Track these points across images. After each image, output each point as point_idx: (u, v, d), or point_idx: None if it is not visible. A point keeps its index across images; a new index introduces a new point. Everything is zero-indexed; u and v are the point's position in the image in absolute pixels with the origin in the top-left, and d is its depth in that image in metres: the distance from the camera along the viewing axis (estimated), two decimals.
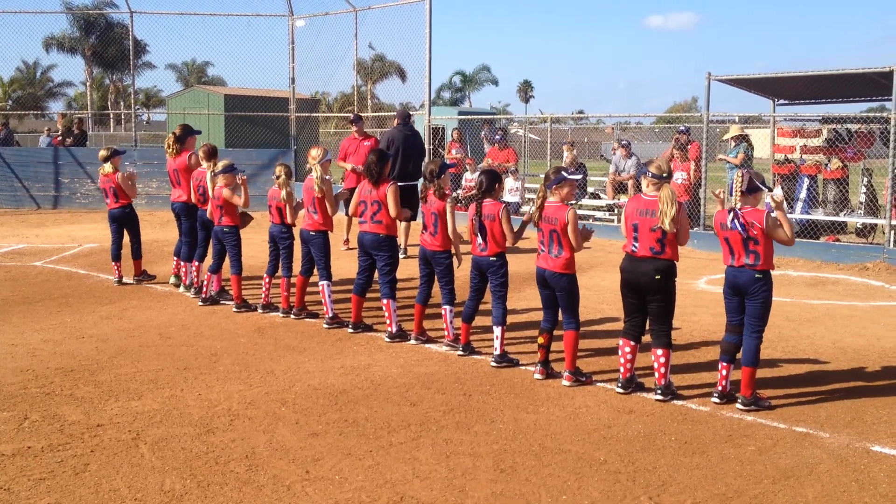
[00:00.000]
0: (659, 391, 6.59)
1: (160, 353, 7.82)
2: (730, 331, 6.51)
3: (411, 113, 14.13)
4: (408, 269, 10.59)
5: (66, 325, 8.86)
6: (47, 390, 6.66)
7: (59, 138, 22.26)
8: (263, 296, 9.53)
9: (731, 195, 6.47)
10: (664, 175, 6.56)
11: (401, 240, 13.72)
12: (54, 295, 10.35)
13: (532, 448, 5.58)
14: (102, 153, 11.03)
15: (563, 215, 6.89)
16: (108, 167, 10.80)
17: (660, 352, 6.58)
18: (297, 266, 9.32)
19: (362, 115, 17.08)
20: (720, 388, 6.52)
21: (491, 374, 7.22)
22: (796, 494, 4.93)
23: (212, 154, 9.96)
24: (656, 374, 6.63)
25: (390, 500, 4.78)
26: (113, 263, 11.10)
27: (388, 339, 8.23)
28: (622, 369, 6.74)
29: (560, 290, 6.96)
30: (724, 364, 6.49)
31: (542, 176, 7.34)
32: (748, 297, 6.37)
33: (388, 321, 8.31)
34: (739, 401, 6.38)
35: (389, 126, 24.97)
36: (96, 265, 12.44)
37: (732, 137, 16.18)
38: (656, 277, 6.49)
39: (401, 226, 13.17)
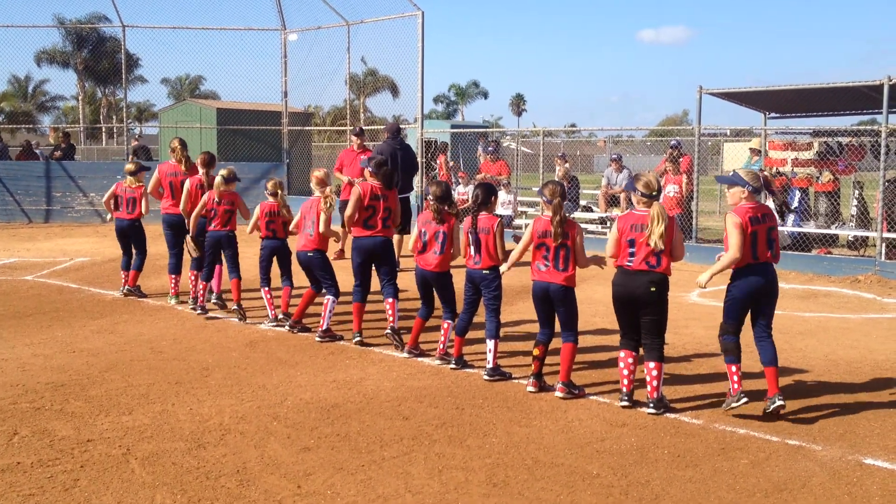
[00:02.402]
0: (651, 405, 6.58)
1: (151, 367, 7.78)
2: (732, 332, 6.54)
3: (402, 126, 14.19)
4: (401, 281, 10.56)
5: (57, 339, 8.82)
6: (37, 405, 6.62)
7: (23, 154, 22.29)
8: (274, 310, 9.53)
9: None
10: (653, 193, 6.60)
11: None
12: (45, 309, 10.31)
13: (525, 462, 5.57)
14: (131, 167, 11.13)
15: (573, 231, 6.99)
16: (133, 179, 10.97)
17: (652, 365, 6.58)
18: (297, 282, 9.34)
19: (365, 128, 17.10)
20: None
21: (483, 388, 7.21)
22: None
23: (210, 162, 10.15)
24: (649, 388, 6.62)
25: None
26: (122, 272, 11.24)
27: (390, 332, 8.37)
28: (625, 381, 6.67)
29: (565, 305, 6.98)
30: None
31: (537, 189, 7.35)
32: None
33: (390, 318, 8.44)
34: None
35: (381, 140, 24.99)
36: (87, 279, 12.40)
37: (752, 149, 16.30)
38: (651, 289, 6.50)
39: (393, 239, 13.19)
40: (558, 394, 6.94)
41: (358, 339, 8.55)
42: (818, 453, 5.77)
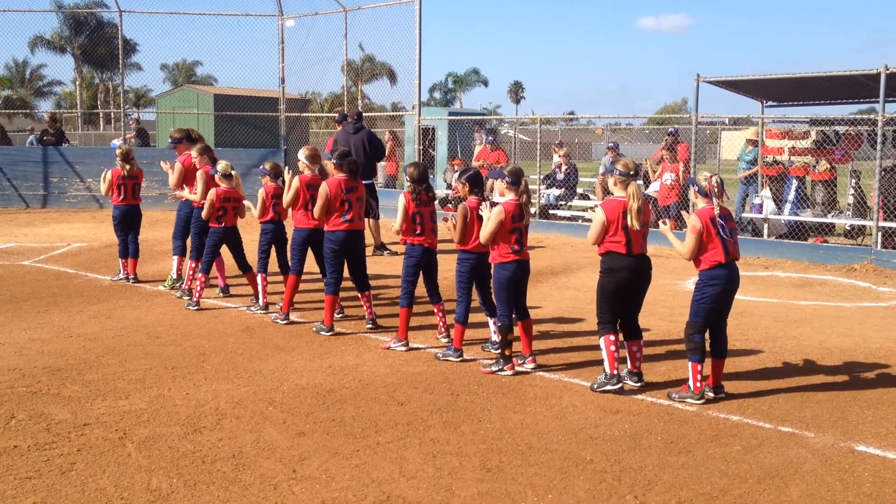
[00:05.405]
0: (636, 377, 6.92)
1: (148, 352, 7.81)
2: (702, 331, 6.56)
3: (362, 112, 14.30)
4: (387, 266, 10.58)
5: (54, 324, 8.84)
6: (34, 389, 6.64)
7: None
8: (266, 298, 9.52)
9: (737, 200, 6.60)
10: (631, 173, 6.73)
11: (376, 238, 13.81)
12: (42, 294, 10.32)
13: (519, 447, 5.60)
14: (126, 152, 11.10)
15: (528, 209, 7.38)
16: (132, 166, 10.96)
17: (641, 342, 6.95)
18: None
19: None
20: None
21: (478, 375, 7.23)
22: (781, 494, 4.96)
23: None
24: (637, 363, 6.94)
25: (377, 500, 4.79)
26: (121, 260, 11.21)
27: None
28: (615, 364, 6.72)
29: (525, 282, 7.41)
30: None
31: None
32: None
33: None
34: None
35: (379, 126, 24.91)
36: (85, 264, 12.41)
37: (749, 140, 16.32)
38: (651, 271, 6.85)
39: (370, 224, 13.30)
40: (529, 366, 7.35)
41: (332, 332, 8.47)
42: (810, 440, 5.81)
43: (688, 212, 7.72)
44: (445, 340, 8.17)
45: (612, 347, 6.72)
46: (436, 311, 8.32)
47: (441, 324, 8.30)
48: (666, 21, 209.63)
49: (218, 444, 5.56)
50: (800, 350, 8.17)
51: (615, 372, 6.72)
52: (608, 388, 6.72)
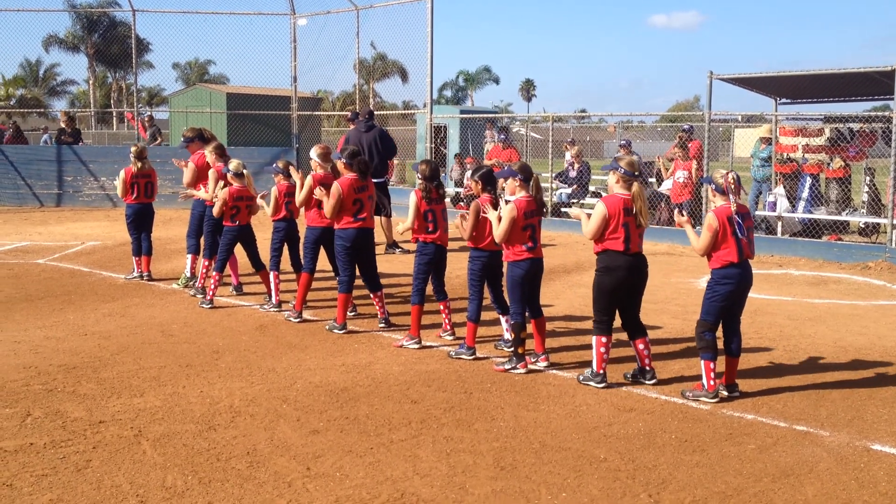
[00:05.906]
0: (648, 374, 6.92)
1: (162, 350, 7.84)
2: (712, 329, 6.56)
3: (373, 111, 14.30)
4: (399, 264, 10.59)
5: (69, 322, 8.88)
6: (50, 387, 6.68)
7: (11, 138, 22.35)
8: (279, 296, 9.55)
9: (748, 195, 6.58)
10: (635, 173, 6.71)
11: (388, 236, 13.82)
12: (57, 292, 10.38)
13: (532, 446, 5.60)
14: (141, 151, 11.16)
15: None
16: (144, 164, 11.00)
17: (647, 340, 6.93)
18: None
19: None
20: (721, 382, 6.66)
21: (491, 373, 7.23)
22: (796, 492, 4.94)
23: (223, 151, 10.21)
24: (647, 360, 6.93)
25: (391, 497, 4.80)
26: (135, 258, 11.28)
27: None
28: (604, 364, 6.80)
29: (539, 279, 7.39)
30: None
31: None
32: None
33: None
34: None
35: (392, 124, 24.95)
36: (99, 263, 12.47)
37: (762, 138, 16.27)
38: (647, 269, 6.83)
39: (382, 222, 13.31)
40: (542, 364, 7.32)
41: (345, 330, 8.52)
42: (826, 439, 5.79)
43: (702, 210, 7.66)
44: (450, 338, 8.17)
45: (603, 349, 6.78)
46: (441, 308, 8.32)
47: (446, 321, 8.30)
48: (678, 18, 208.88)
49: (232, 442, 5.58)
50: (814, 348, 8.14)
51: (601, 371, 6.81)
52: (591, 383, 6.82)
